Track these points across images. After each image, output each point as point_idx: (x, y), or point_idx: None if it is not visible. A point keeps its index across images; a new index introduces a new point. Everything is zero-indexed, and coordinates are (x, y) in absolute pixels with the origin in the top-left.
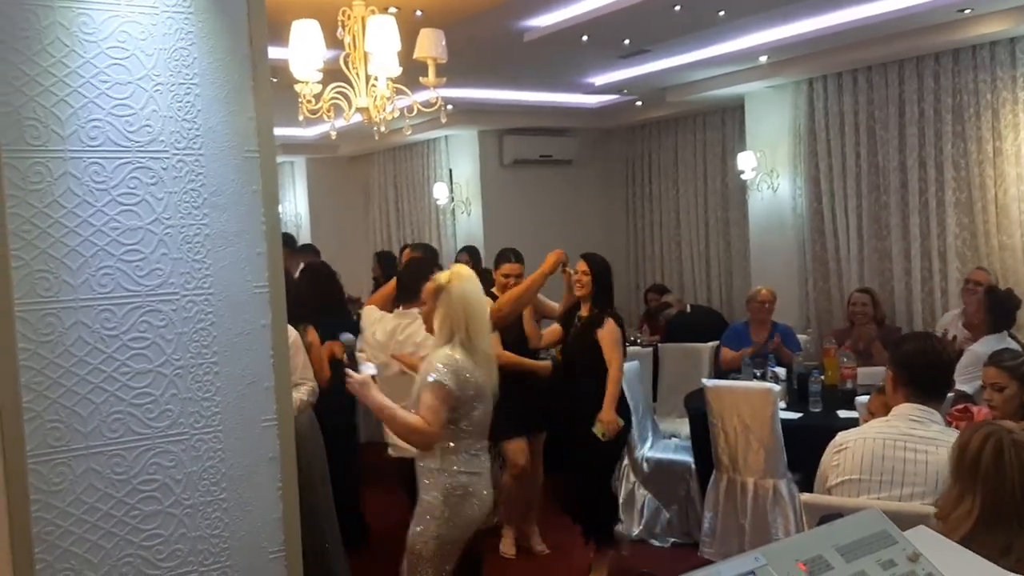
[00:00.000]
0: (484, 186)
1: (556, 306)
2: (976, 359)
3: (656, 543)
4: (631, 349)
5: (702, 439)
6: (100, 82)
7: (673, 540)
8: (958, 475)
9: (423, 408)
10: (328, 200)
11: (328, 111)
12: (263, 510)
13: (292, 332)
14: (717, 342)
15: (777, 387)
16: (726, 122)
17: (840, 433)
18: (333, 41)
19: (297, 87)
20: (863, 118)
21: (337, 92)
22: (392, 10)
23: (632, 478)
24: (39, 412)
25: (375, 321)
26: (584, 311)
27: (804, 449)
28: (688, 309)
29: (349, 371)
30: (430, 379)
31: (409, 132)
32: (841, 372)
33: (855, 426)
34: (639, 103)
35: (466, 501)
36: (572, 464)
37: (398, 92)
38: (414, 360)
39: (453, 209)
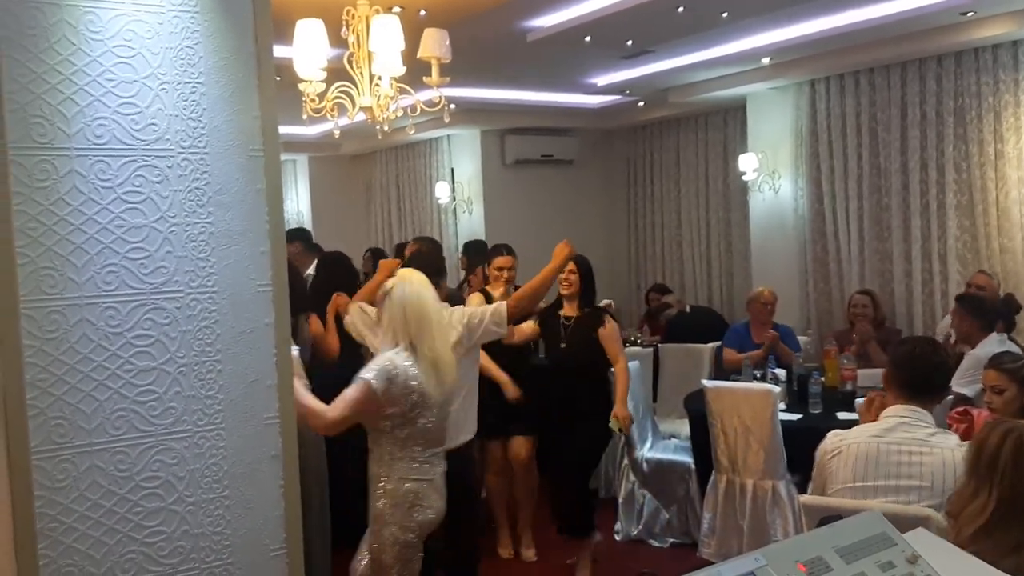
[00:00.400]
0: (486, 185)
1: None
2: (976, 362)
3: (655, 543)
4: (632, 350)
5: (702, 440)
6: (106, 80)
7: (672, 540)
8: (974, 471)
9: (339, 397)
10: (330, 198)
11: (332, 110)
12: (265, 508)
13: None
14: (717, 343)
15: (777, 388)
16: (728, 123)
17: (830, 434)
18: (337, 40)
19: (301, 86)
20: (865, 120)
21: (341, 91)
22: (396, 9)
23: (632, 478)
24: (43, 409)
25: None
26: (569, 311)
27: (804, 450)
28: (688, 309)
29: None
30: (360, 375)
31: (412, 131)
32: (841, 374)
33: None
34: (641, 104)
35: (415, 508)
36: (562, 465)
37: (401, 91)
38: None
39: (455, 208)
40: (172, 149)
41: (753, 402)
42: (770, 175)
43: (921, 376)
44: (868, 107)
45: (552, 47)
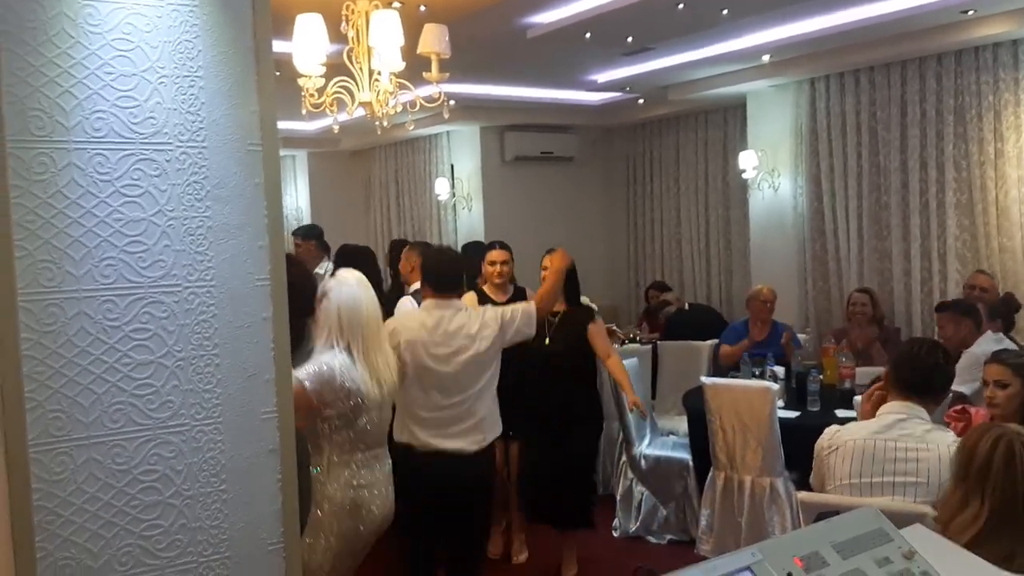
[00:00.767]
0: (485, 182)
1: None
2: (974, 360)
3: (653, 540)
4: (630, 347)
5: (700, 436)
6: (105, 73)
7: (670, 537)
8: (963, 478)
9: None
10: (329, 194)
11: (331, 105)
12: (262, 502)
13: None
14: (716, 340)
15: (776, 386)
16: (728, 121)
17: (827, 430)
18: (337, 35)
19: (300, 81)
20: (865, 118)
21: (340, 86)
22: (396, 5)
23: (630, 475)
24: (41, 402)
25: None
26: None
27: (801, 448)
28: (687, 307)
29: None
30: (294, 375)
31: (412, 127)
32: (839, 372)
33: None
34: (641, 101)
35: (355, 515)
36: (566, 465)
37: (401, 87)
38: None
39: (454, 205)
40: (170, 143)
41: (752, 399)
42: (769, 173)
43: (919, 376)
44: (868, 105)
45: (552, 44)
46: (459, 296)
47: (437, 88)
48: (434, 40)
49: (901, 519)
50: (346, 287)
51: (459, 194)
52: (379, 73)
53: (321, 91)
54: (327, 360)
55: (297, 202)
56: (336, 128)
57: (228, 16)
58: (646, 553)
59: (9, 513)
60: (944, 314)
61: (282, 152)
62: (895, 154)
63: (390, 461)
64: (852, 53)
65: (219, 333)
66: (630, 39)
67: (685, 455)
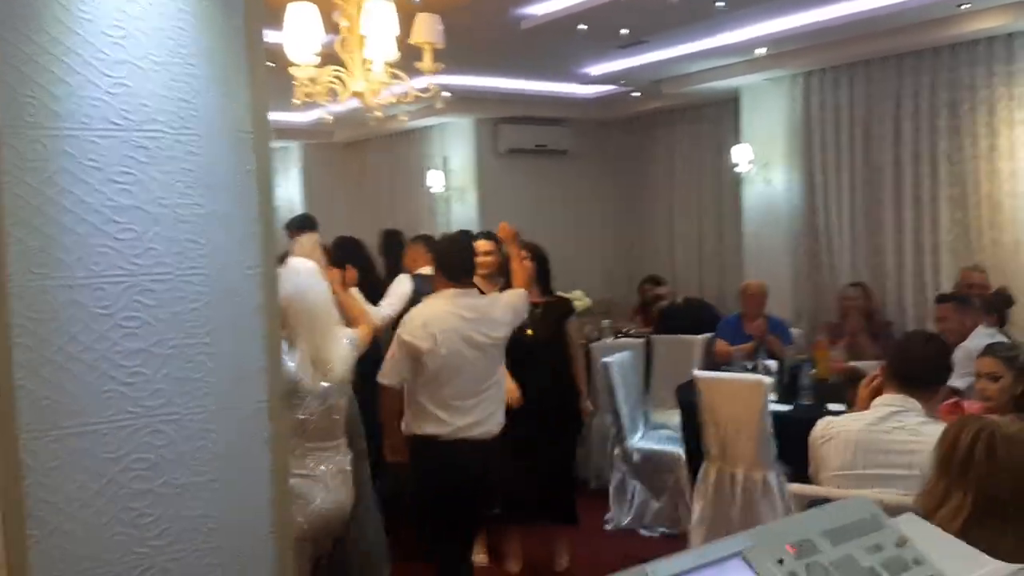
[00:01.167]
0: (479, 175)
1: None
2: (967, 355)
3: (645, 532)
4: (624, 340)
5: (692, 430)
6: (97, 61)
7: (662, 530)
8: (945, 470)
9: None
10: (322, 186)
11: (324, 95)
12: (254, 491)
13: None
14: (709, 334)
15: (768, 379)
16: (722, 115)
17: (821, 421)
18: (330, 25)
19: (292, 70)
20: (859, 112)
21: (333, 76)
22: None
23: (622, 468)
24: (32, 390)
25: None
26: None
27: (794, 441)
28: (680, 301)
29: None
30: None
31: (405, 119)
32: (831, 366)
33: None
34: (635, 94)
35: (296, 505)
36: (554, 460)
37: (394, 76)
38: None
39: (448, 197)
40: (162, 130)
41: (744, 393)
42: (763, 167)
43: (916, 368)
44: (862, 99)
45: (546, 35)
46: (474, 283)
47: (431, 79)
48: (427, 30)
49: (893, 511)
50: (294, 276)
51: (452, 186)
52: (372, 62)
53: (314, 81)
54: None
55: (290, 193)
56: (329, 118)
57: (220, 3)
58: (639, 546)
59: (1, 501)
60: (946, 305)
61: (275, 143)
62: (889, 148)
63: (349, 458)
64: (847, 46)
65: (210, 322)
66: (624, 31)
67: (677, 448)
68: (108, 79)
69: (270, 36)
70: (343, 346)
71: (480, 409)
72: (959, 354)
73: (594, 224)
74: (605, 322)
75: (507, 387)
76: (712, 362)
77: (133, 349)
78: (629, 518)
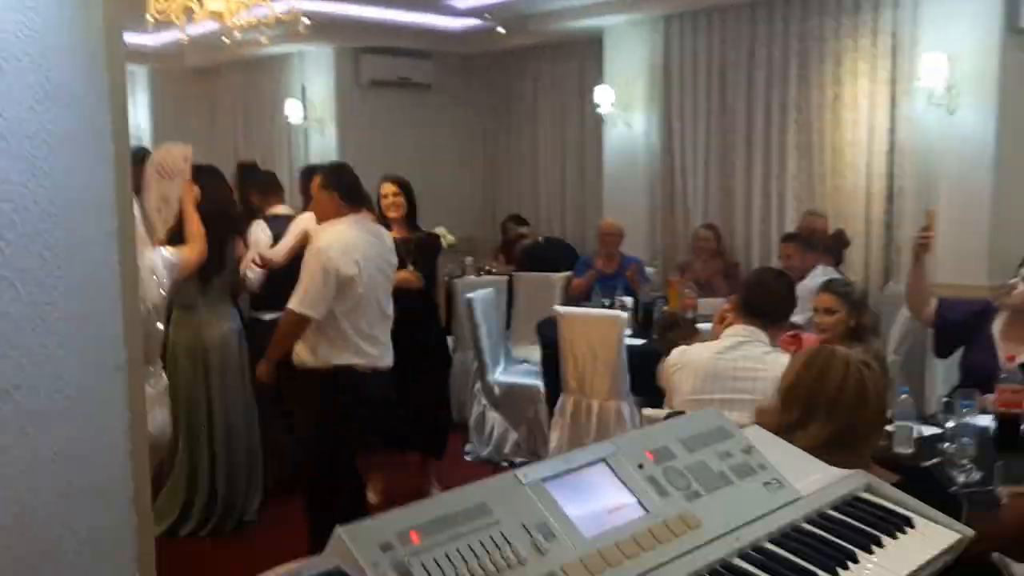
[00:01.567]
0: (339, 106)
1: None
2: (807, 293)
3: (504, 464)
4: (487, 278)
5: (552, 363)
6: None
7: (520, 460)
8: (799, 401)
9: None
10: (172, 114)
11: (179, 13)
12: (109, 419)
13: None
14: (569, 272)
15: (624, 315)
16: (587, 55)
17: (675, 351)
18: None
19: None
20: (715, 58)
21: None
22: None
23: (483, 402)
24: None
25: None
26: (398, 233)
27: (646, 373)
28: (542, 240)
29: None
30: None
31: (266, 42)
32: (683, 302)
33: None
34: (501, 31)
35: None
36: (431, 392)
37: None
38: None
39: (306, 129)
40: (7, 39)
41: (601, 327)
42: (624, 109)
43: (766, 301)
44: (718, 46)
45: None
46: (372, 210)
47: (292, 2)
48: None
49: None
50: None
51: (311, 118)
52: None
53: None
54: None
55: (137, 121)
56: (186, 39)
57: None
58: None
59: None
60: (790, 244)
61: None
62: (742, 95)
63: (164, 385)
64: None
65: (60, 244)
66: None
67: (537, 381)
68: None
69: None
70: (154, 268)
71: (385, 337)
72: (800, 292)
73: (457, 161)
74: (468, 259)
75: (402, 275)
76: (571, 299)
77: None
78: (488, 449)
